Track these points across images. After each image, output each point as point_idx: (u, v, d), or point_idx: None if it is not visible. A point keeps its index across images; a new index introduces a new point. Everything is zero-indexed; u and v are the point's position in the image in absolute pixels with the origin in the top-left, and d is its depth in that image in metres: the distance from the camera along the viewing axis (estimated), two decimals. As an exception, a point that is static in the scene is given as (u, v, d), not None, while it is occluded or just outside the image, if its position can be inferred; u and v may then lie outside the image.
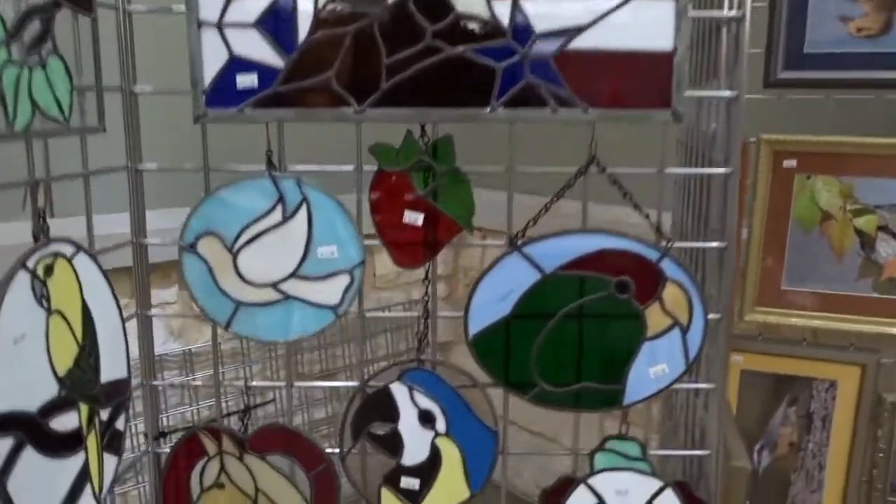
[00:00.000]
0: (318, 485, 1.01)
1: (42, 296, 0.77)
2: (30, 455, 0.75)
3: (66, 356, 0.81)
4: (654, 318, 0.97)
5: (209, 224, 0.94)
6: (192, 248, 0.94)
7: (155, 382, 1.03)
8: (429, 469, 1.00)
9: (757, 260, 1.63)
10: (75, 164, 0.92)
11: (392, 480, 1.01)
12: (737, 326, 1.65)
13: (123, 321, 0.93)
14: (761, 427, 1.71)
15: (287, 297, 0.96)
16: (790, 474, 1.68)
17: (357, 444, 1.00)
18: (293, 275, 0.95)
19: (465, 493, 1.01)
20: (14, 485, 0.73)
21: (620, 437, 1.01)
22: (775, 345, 1.65)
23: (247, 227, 0.94)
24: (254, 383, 1.01)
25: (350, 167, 0.96)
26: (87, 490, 0.85)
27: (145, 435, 1.04)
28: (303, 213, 0.94)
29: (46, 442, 0.77)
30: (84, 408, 0.84)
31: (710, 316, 0.98)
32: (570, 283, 0.96)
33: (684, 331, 0.97)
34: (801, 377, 1.66)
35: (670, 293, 0.96)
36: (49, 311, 0.79)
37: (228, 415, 1.05)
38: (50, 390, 0.78)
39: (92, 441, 0.85)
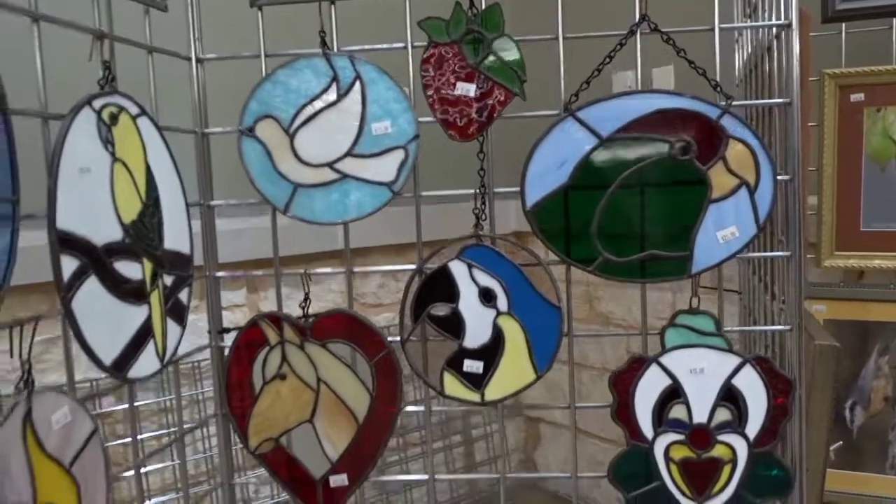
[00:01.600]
0: (379, 372, 0.99)
1: (107, 140, 0.80)
2: (94, 285, 0.77)
3: (129, 207, 0.83)
4: (719, 178, 0.93)
5: (267, 107, 0.96)
6: (250, 131, 0.96)
7: (218, 274, 1.04)
8: (492, 351, 0.97)
9: (831, 202, 1.57)
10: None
11: (455, 364, 0.98)
12: (817, 273, 1.58)
13: (187, 202, 0.96)
14: (851, 382, 1.61)
15: (343, 176, 0.97)
16: (888, 432, 1.56)
17: (418, 328, 0.98)
18: (349, 153, 0.96)
19: (531, 375, 0.97)
20: (78, 307, 0.74)
21: (692, 311, 0.96)
22: (859, 290, 1.56)
23: (303, 107, 0.96)
24: (314, 271, 1.00)
25: (401, 44, 0.97)
26: (150, 347, 0.85)
27: (209, 332, 1.05)
28: (356, 90, 0.96)
29: (110, 279, 0.78)
30: (148, 265, 0.85)
31: (780, 177, 0.94)
32: (628, 148, 0.94)
33: (752, 190, 0.93)
34: (890, 323, 1.56)
35: (734, 152, 0.93)
36: (114, 157, 0.81)
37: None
38: (114, 233, 0.80)
39: (155, 300, 0.86)
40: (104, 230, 0.79)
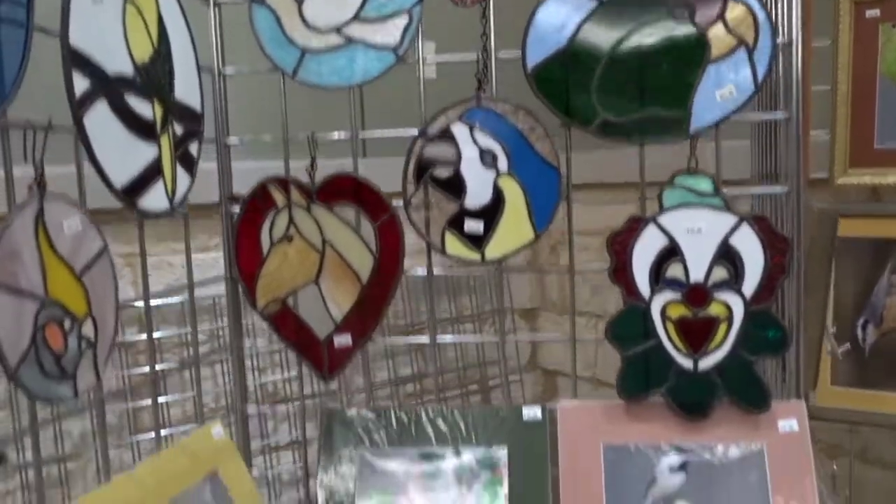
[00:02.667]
0: (382, 235, 1.02)
1: (120, -22, 0.83)
2: (105, 111, 0.80)
3: (141, 49, 0.86)
4: (718, 39, 0.94)
5: (277, -29, 0.99)
6: (261, -2, 1.00)
7: (228, 142, 1.07)
8: (492, 211, 1.00)
9: (845, 119, 1.56)
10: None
11: (456, 224, 1.00)
12: (829, 190, 1.57)
13: (198, 62, 0.99)
14: (863, 300, 1.59)
15: (349, 41, 0.99)
16: (902, 350, 1.54)
17: (420, 189, 1.00)
18: (355, 17, 0.99)
19: (530, 234, 0.99)
20: (90, 125, 0.78)
21: (689, 171, 0.97)
22: (873, 205, 1.55)
23: (311, -28, 0.99)
24: (321, 133, 1.03)
25: None
26: (160, 185, 0.89)
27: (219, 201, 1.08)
28: (362, -45, 0.99)
29: (121, 110, 0.82)
30: (159, 108, 0.89)
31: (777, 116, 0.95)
32: (627, 10, 0.95)
33: (750, 50, 0.94)
34: (904, 239, 1.54)
35: (734, 12, 0.94)
36: (125, -2, 0.84)
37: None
38: (125, 68, 0.84)
39: (165, 144, 0.90)
40: (116, 62, 0.82)
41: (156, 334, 1.54)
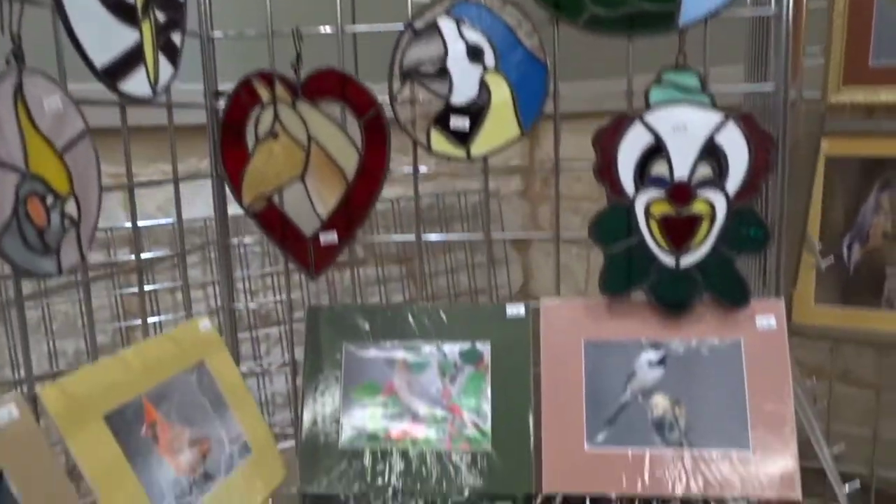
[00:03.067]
0: (368, 131, 1.01)
1: None
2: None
3: (120, -71, 0.84)
4: (710, -70, 0.93)
5: None
6: None
7: (212, 35, 1.06)
8: (478, 107, 0.99)
9: (841, 35, 1.54)
10: None
11: (442, 121, 1.00)
12: (823, 106, 1.56)
13: (180, -48, 0.97)
14: (850, 220, 1.60)
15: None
16: (884, 268, 1.55)
17: (406, 85, 0.99)
18: None
19: (516, 131, 0.99)
20: (68, 2, 0.76)
21: (677, 67, 0.96)
22: (865, 124, 1.54)
23: None
24: (307, 28, 1.02)
25: None
26: (142, 71, 0.88)
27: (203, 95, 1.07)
28: None
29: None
30: (139, -7, 0.87)
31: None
32: None
33: (742, -58, 0.92)
34: (894, 158, 1.54)
35: None
36: None
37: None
38: (104, -54, 0.82)
39: (147, 31, 0.88)
40: (93, -62, 0.80)
41: (147, 255, 1.56)
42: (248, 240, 1.23)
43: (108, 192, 0.84)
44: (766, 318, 0.98)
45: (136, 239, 0.95)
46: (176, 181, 1.02)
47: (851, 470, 1.55)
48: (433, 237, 1.09)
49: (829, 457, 1.14)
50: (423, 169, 1.05)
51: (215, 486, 0.89)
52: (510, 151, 0.97)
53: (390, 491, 0.97)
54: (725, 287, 0.97)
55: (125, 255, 1.75)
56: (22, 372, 1.31)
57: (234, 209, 1.09)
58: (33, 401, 0.73)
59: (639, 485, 0.95)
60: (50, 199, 0.74)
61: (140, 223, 0.96)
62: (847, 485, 1.17)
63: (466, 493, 0.96)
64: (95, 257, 1.83)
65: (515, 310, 1.02)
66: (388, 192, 2.32)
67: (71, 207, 0.78)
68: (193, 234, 2.09)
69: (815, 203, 1.57)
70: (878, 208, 1.57)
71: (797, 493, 0.93)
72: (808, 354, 1.67)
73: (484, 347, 1.01)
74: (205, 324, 0.99)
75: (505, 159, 2.51)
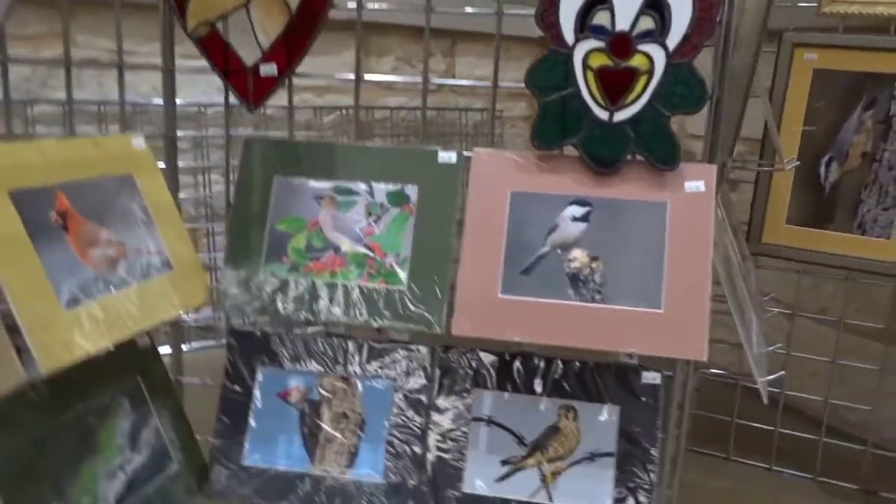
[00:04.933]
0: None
1: None
2: None
3: None
4: None
5: None
6: None
7: None
8: None
9: (841, -60, 1.48)
10: None
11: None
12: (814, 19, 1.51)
13: None
14: (832, 137, 1.56)
15: None
16: (861, 190, 1.52)
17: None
18: None
19: None
20: None
21: (629, -86, 0.93)
22: (857, 37, 1.49)
23: None
24: None
25: None
26: None
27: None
28: None
29: None
30: None
31: None
32: None
33: None
34: (882, 75, 1.50)
35: None
36: None
37: None
38: None
39: None
40: None
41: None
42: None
43: (104, 68, 0.84)
44: (696, 182, 0.97)
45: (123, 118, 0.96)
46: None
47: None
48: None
49: (755, 343, 1.13)
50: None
51: (126, 287, 0.90)
52: (521, 74, 0.95)
53: (303, 318, 0.99)
54: (657, 146, 0.96)
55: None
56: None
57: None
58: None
59: (547, 335, 0.96)
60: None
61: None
62: (770, 375, 1.16)
63: (378, 326, 0.98)
64: (85, 129, 1.86)
65: (447, 156, 1.01)
66: (390, 100, 2.32)
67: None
68: (187, 118, 2.11)
69: (795, 115, 1.54)
70: (860, 127, 1.53)
71: (703, 355, 0.92)
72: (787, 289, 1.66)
73: (412, 190, 1.01)
74: (138, 141, 1.00)
75: (515, 81, 2.48)
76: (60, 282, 0.82)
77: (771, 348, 1.43)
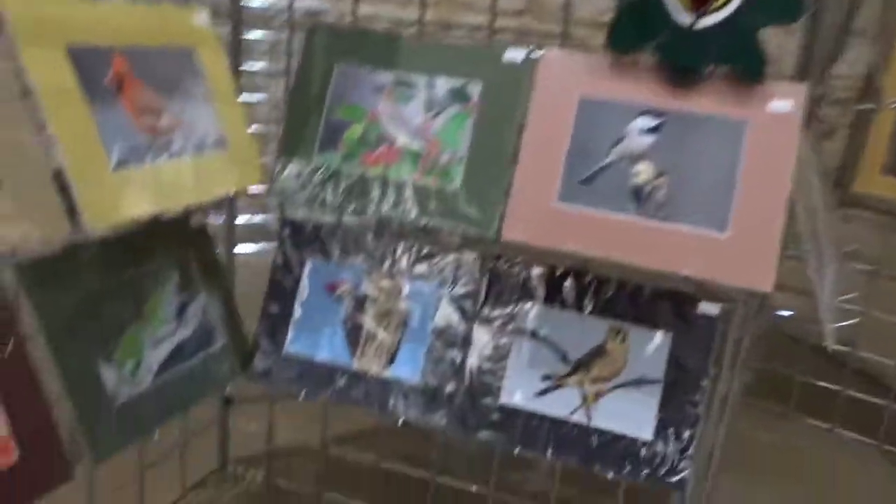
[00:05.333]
0: None
1: None
2: None
3: None
4: None
5: None
6: None
7: None
8: None
9: None
10: None
11: None
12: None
13: None
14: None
15: None
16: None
17: None
18: None
19: None
20: None
21: None
22: None
23: None
24: None
25: None
26: None
27: None
28: None
29: None
30: None
31: None
32: None
33: None
34: None
35: None
36: None
37: None
38: None
39: None
40: None
41: None
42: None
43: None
44: (782, 102, 0.89)
45: None
46: None
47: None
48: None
49: (828, 291, 1.06)
50: None
51: (178, 159, 0.90)
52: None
53: (353, 211, 0.97)
54: (742, 58, 0.88)
55: None
56: None
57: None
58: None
59: (602, 248, 0.91)
60: None
61: None
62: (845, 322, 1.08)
63: (428, 224, 0.95)
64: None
65: (514, 55, 0.96)
66: (384, 10, 2.23)
67: None
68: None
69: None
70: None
71: (768, 285, 0.86)
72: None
73: (475, 88, 0.97)
74: (202, 16, 0.98)
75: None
76: (111, 143, 0.82)
77: (846, 299, 1.34)
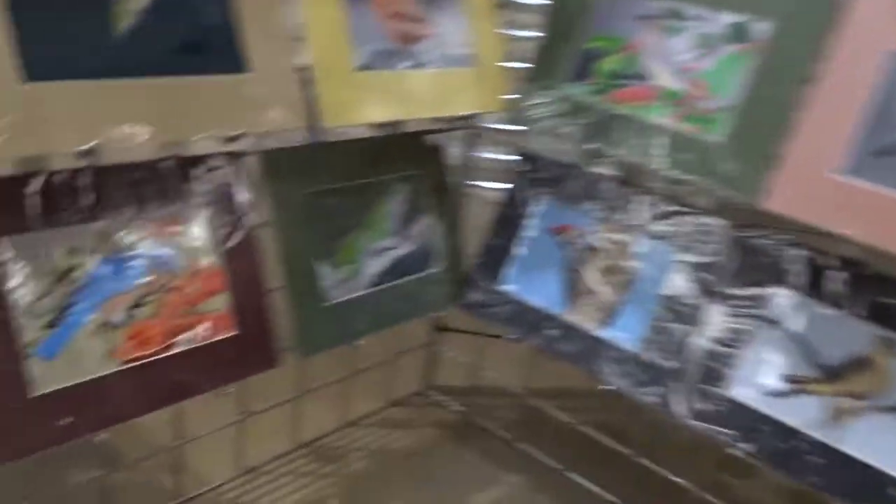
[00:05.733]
0: None
1: None
2: None
3: None
4: None
5: None
6: None
7: None
8: None
9: None
10: None
11: None
12: None
13: None
14: None
15: None
16: None
17: None
18: None
19: None
20: None
21: None
22: None
23: None
24: None
25: None
26: None
27: None
28: None
29: None
30: None
31: None
32: None
33: None
34: None
35: None
36: None
37: None
38: None
39: None
40: None
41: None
42: None
43: None
44: None
45: None
46: None
47: None
48: None
49: None
50: None
51: (422, 69, 0.87)
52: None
53: (594, 151, 0.89)
54: None
55: None
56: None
57: None
58: None
59: (889, 239, 0.74)
60: None
61: None
62: None
63: (678, 177, 0.84)
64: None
65: (817, -8, 0.80)
66: None
67: None
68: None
69: None
70: None
71: None
72: None
73: (762, 27, 0.82)
74: (473, -74, 0.93)
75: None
76: (360, 45, 0.81)
77: None
